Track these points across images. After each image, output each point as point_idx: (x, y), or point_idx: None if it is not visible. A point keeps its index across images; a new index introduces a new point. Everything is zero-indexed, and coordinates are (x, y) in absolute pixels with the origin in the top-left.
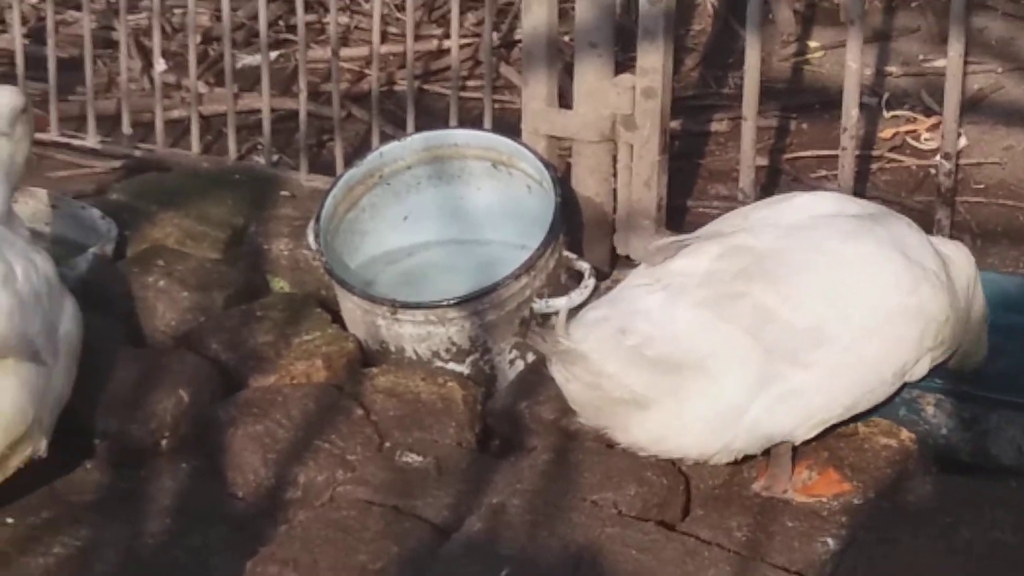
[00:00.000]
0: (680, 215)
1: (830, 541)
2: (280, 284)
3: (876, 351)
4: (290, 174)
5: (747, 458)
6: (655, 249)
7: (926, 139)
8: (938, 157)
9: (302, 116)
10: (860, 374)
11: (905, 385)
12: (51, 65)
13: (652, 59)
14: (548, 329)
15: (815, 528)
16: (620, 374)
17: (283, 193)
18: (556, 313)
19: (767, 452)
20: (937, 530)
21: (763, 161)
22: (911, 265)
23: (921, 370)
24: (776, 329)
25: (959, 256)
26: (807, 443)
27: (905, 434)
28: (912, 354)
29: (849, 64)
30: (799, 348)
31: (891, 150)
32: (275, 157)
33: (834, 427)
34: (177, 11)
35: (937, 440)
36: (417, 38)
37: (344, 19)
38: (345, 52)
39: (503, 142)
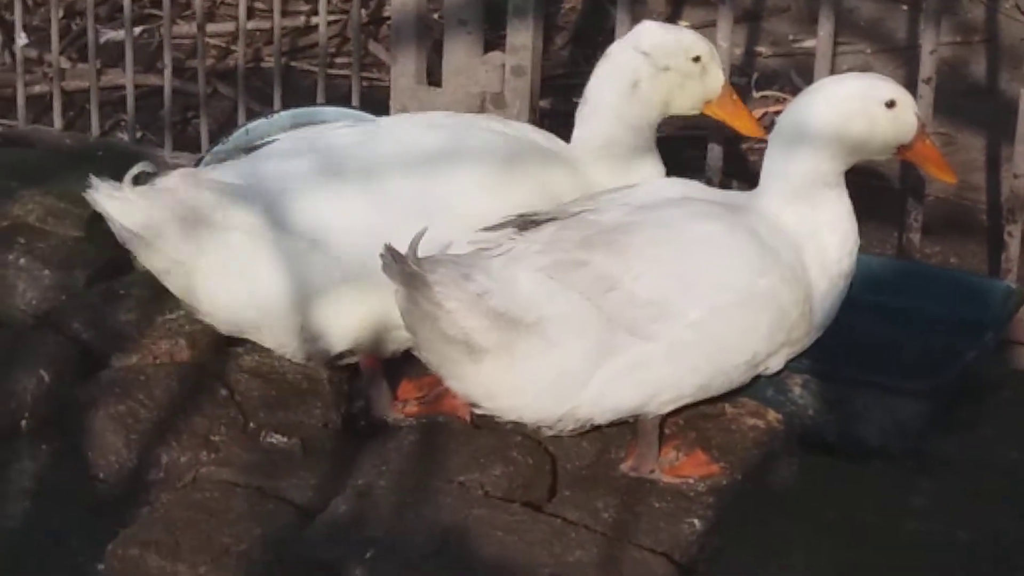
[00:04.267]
0: None
1: (696, 522)
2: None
3: (724, 332)
4: (154, 151)
5: (615, 438)
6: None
7: None
8: None
9: (167, 92)
10: (709, 353)
11: (760, 376)
12: None
13: (522, 37)
14: (399, 252)
15: (681, 509)
16: (457, 314)
17: (147, 171)
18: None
19: (635, 432)
20: (804, 511)
21: None
22: (764, 251)
23: (776, 364)
24: (617, 298)
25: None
26: (674, 423)
27: (772, 415)
28: (764, 344)
29: (719, 43)
30: (641, 318)
31: None
32: (139, 134)
33: (695, 405)
34: None
35: (804, 421)
36: (284, 14)
37: None
38: (211, 28)
39: (371, 120)
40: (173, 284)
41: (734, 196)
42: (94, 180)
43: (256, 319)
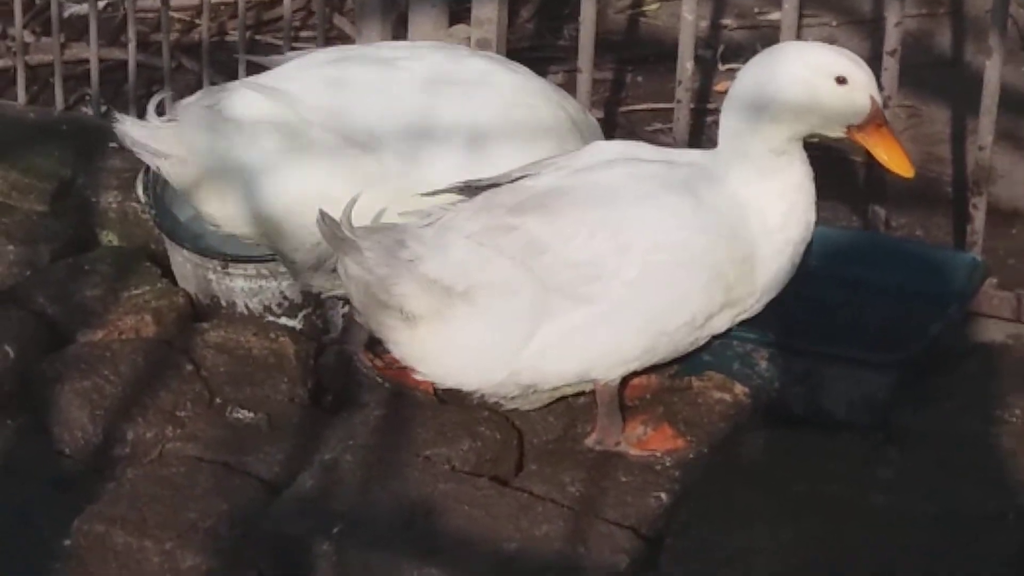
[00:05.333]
0: None
1: (663, 495)
2: (109, 237)
3: (661, 291)
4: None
5: (581, 412)
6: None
7: None
8: None
9: (131, 66)
10: (647, 314)
11: (716, 337)
12: None
13: (487, 10)
14: (333, 218)
15: (648, 483)
16: (388, 280)
17: (112, 145)
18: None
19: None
20: (770, 484)
21: (599, 114)
22: (700, 209)
23: (721, 324)
24: (549, 261)
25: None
26: (640, 398)
27: (739, 388)
28: (702, 303)
29: (685, 16)
30: (575, 281)
31: None
32: (103, 108)
33: (650, 371)
34: None
35: (771, 394)
36: None
37: None
38: (175, 1)
39: None
40: (202, 196)
41: (684, 155)
42: (119, 116)
43: (282, 219)
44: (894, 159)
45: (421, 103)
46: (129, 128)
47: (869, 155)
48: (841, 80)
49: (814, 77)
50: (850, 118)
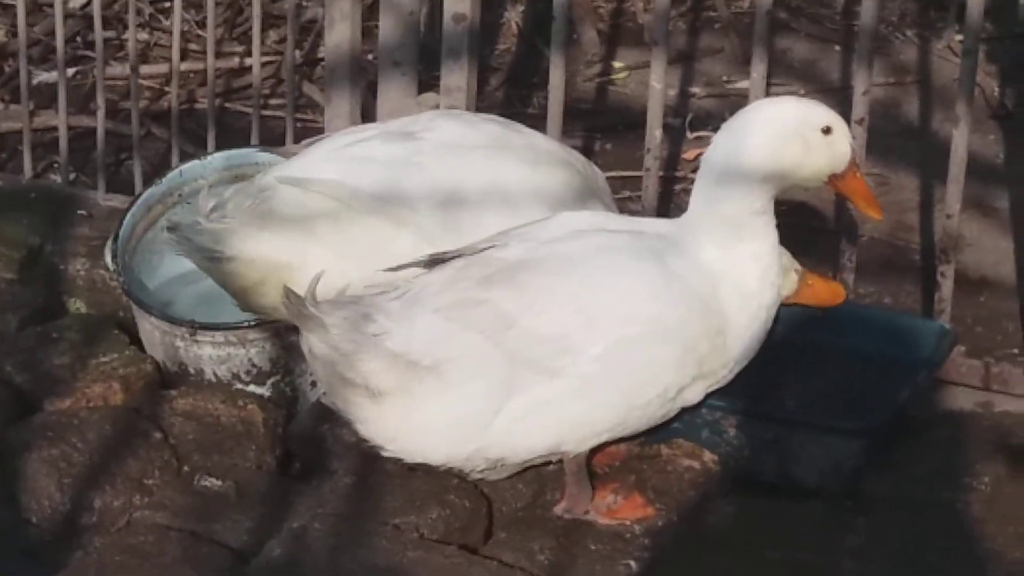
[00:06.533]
0: None
1: (632, 564)
2: (77, 305)
3: (631, 365)
4: (88, 193)
5: (551, 479)
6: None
7: None
8: None
9: (100, 134)
10: (617, 387)
11: (685, 410)
12: None
13: (456, 78)
14: (298, 295)
15: (618, 551)
16: (354, 356)
17: (80, 212)
18: None
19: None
20: (740, 551)
21: None
22: (670, 281)
23: (694, 396)
24: (517, 336)
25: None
26: (609, 465)
27: (708, 456)
28: (673, 376)
29: (653, 84)
30: (543, 356)
31: (695, 171)
32: (72, 176)
33: (621, 442)
34: None
35: (740, 462)
36: (218, 55)
37: (144, 35)
38: (145, 69)
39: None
40: (261, 290)
41: (652, 224)
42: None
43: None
44: (871, 205)
45: (454, 171)
46: (189, 235)
47: (844, 205)
48: (827, 130)
49: (804, 131)
50: (836, 167)
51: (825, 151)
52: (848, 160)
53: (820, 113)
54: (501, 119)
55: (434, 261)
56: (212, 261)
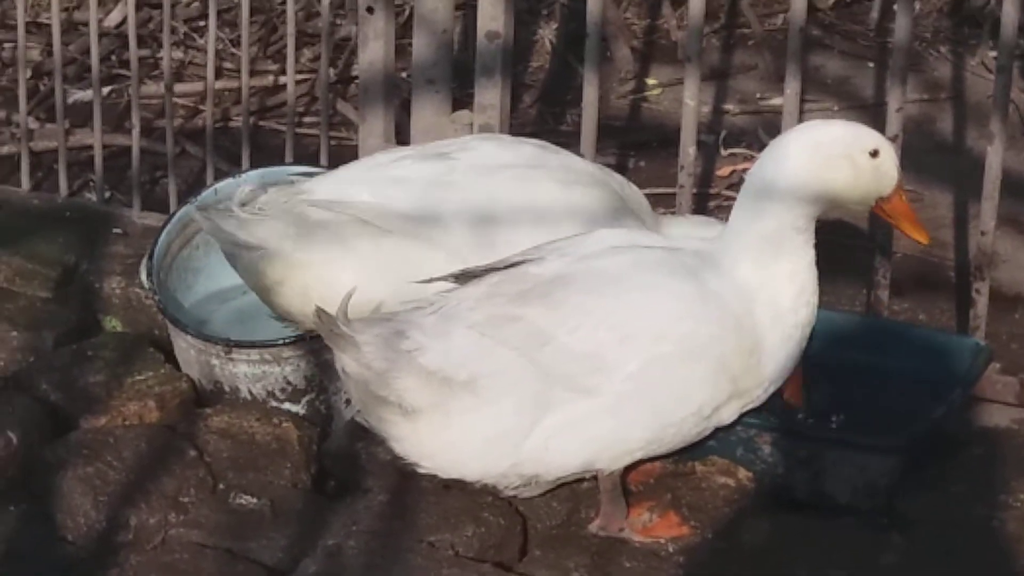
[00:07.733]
0: None
1: None
2: (112, 323)
3: (665, 384)
4: (123, 211)
5: (585, 497)
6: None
7: None
8: None
9: (135, 152)
10: (652, 406)
11: (720, 428)
12: None
13: (490, 95)
14: (330, 314)
15: (652, 568)
16: (388, 375)
17: (115, 230)
18: None
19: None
20: (774, 569)
21: None
22: (706, 299)
23: (729, 415)
24: (552, 353)
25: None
26: (645, 483)
27: (743, 473)
28: (708, 395)
29: (686, 102)
30: (578, 373)
31: (728, 188)
32: (107, 194)
33: (657, 460)
34: (7, 45)
35: (774, 479)
36: (253, 73)
37: (178, 54)
38: (179, 87)
39: None
40: (284, 292)
41: (687, 241)
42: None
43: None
44: (917, 228)
45: (487, 191)
46: (215, 218)
47: (878, 221)
48: (875, 153)
49: (853, 153)
50: (883, 190)
51: (873, 174)
52: (895, 183)
53: (868, 136)
54: (538, 141)
55: (465, 275)
56: (235, 247)
